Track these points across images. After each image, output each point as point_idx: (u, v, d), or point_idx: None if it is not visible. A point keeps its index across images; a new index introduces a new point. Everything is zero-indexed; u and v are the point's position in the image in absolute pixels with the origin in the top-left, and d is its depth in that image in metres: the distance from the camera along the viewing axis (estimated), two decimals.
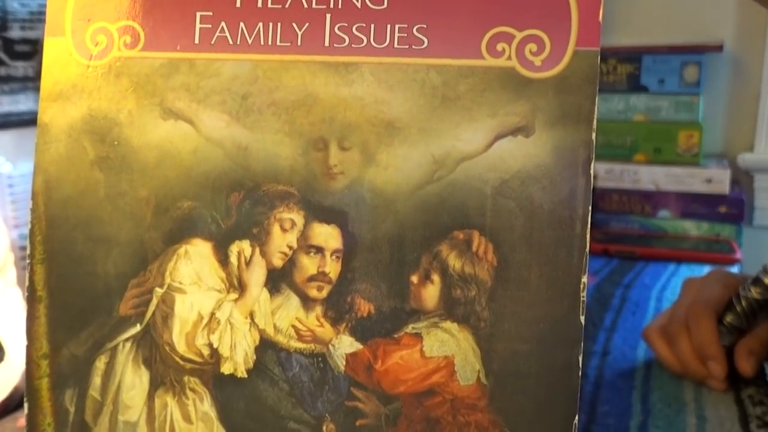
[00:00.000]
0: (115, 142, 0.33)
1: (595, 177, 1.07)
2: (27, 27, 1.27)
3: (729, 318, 0.56)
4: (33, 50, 1.27)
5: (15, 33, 1.25)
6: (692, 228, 1.07)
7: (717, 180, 1.06)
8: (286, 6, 0.32)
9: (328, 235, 0.31)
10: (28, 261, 0.34)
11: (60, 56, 0.34)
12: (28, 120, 1.26)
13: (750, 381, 0.54)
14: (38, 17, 1.28)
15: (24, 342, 0.34)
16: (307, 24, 0.32)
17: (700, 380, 0.54)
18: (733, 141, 1.22)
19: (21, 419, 0.37)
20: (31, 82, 1.28)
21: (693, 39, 1.14)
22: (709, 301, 0.57)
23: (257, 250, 0.32)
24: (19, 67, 1.26)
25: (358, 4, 0.31)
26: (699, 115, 1.09)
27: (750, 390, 0.53)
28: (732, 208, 1.06)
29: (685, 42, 1.12)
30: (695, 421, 0.49)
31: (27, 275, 0.34)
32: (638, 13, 1.23)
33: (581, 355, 0.29)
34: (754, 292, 0.55)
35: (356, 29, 0.31)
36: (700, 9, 1.20)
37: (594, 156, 0.29)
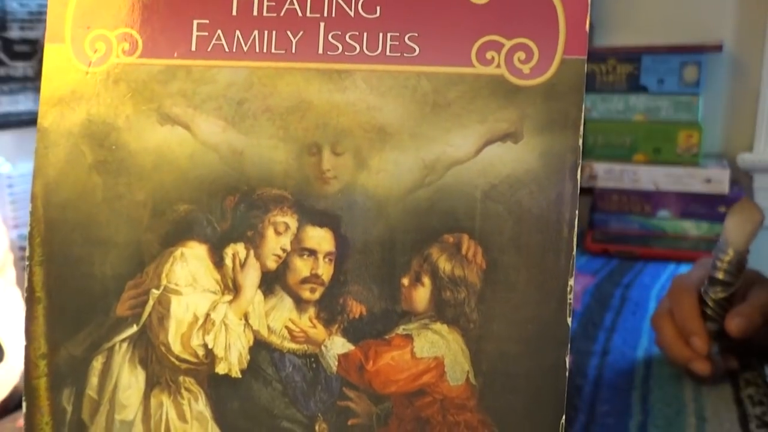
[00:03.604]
0: (113, 147, 0.34)
1: (594, 177, 1.05)
2: (26, 27, 1.27)
3: (712, 295, 0.54)
4: (32, 50, 1.28)
5: (14, 33, 1.25)
6: (692, 228, 1.07)
7: (716, 180, 1.05)
8: (281, 14, 0.32)
9: (321, 238, 0.32)
10: (27, 263, 0.34)
11: (60, 62, 0.34)
12: (28, 120, 1.26)
13: (750, 381, 0.54)
14: (37, 17, 1.28)
15: (23, 342, 0.34)
16: (301, 32, 0.32)
17: (686, 363, 0.53)
18: (732, 141, 1.22)
19: (20, 419, 0.37)
20: (31, 82, 1.28)
21: (692, 39, 1.14)
22: (691, 279, 0.56)
23: (252, 252, 0.32)
24: (19, 67, 1.26)
25: (351, 13, 0.32)
26: (698, 115, 1.09)
27: (750, 390, 0.53)
28: None
29: (684, 42, 1.12)
30: (695, 421, 0.49)
31: (26, 276, 0.34)
32: (638, 13, 1.23)
33: (568, 356, 0.30)
34: (714, 294, 0.54)
35: (349, 37, 0.32)
36: (700, 9, 1.20)
37: (581, 162, 0.30)
